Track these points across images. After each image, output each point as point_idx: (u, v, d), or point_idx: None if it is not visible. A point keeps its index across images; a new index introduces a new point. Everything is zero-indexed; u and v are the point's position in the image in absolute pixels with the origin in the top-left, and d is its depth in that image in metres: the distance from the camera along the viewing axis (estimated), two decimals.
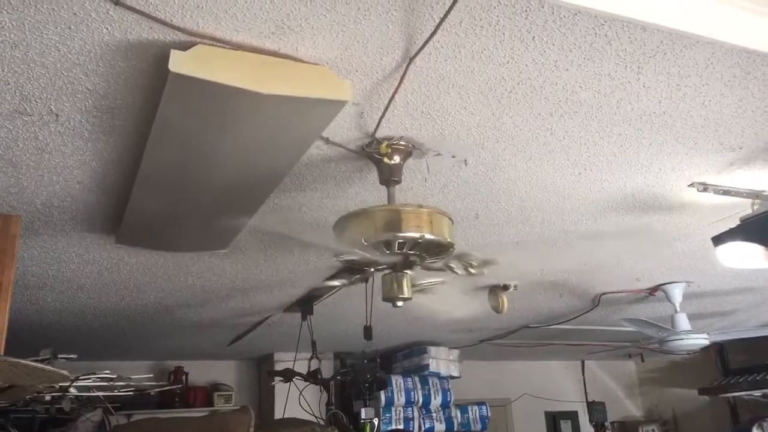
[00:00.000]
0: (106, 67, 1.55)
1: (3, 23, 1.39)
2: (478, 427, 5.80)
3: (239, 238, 2.69)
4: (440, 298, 2.83)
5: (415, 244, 1.90)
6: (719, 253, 2.62)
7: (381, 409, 5.32)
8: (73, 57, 1.51)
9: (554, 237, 2.96)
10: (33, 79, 1.59)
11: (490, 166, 2.22)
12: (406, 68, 1.61)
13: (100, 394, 3.24)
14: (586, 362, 7.25)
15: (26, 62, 1.52)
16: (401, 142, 1.99)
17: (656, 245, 3.15)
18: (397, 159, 2.01)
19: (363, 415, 3.80)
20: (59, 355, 3.06)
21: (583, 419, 6.98)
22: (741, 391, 5.80)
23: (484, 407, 5.90)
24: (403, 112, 1.84)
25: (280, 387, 4.48)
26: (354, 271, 3.07)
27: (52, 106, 1.71)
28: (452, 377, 5.82)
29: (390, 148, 1.97)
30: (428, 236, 1.87)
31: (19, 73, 1.56)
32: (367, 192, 2.35)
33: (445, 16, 1.42)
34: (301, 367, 3.87)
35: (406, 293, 2.03)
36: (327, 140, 1.97)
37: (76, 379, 3.05)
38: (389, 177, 2.03)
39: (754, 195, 2.44)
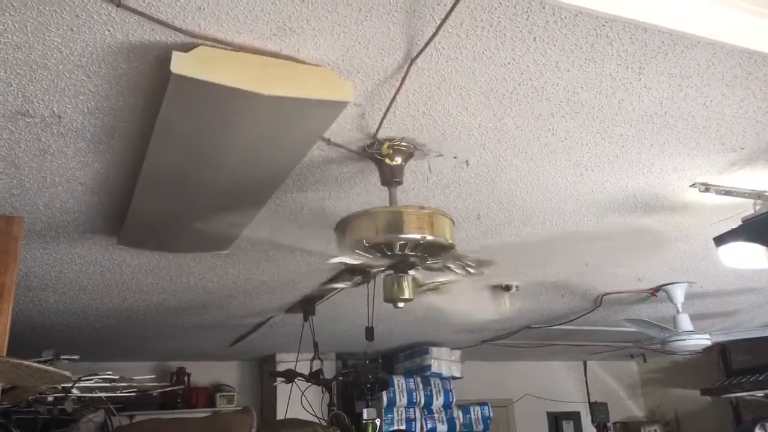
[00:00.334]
0: (108, 68, 1.56)
1: (5, 25, 1.39)
2: (480, 427, 5.80)
3: (241, 239, 2.69)
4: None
5: (417, 245, 1.90)
6: (721, 253, 2.62)
7: (383, 410, 5.33)
8: (75, 59, 1.52)
9: (556, 237, 2.95)
10: (35, 80, 1.59)
11: (492, 166, 2.22)
12: (408, 69, 1.62)
13: (103, 395, 3.25)
14: (588, 363, 7.25)
15: (28, 64, 1.53)
16: (403, 143, 1.99)
17: (658, 246, 3.15)
18: (398, 160, 2.01)
19: (365, 416, 3.80)
20: (62, 356, 3.07)
21: (586, 420, 6.98)
22: (743, 391, 5.79)
23: (486, 408, 5.90)
24: (404, 113, 1.84)
25: (282, 388, 4.49)
26: (356, 272, 3.08)
27: (54, 108, 1.71)
28: (454, 378, 5.82)
29: (391, 149, 1.97)
30: (429, 237, 1.87)
31: (21, 74, 1.57)
32: (369, 193, 2.35)
33: (447, 17, 1.42)
34: (303, 367, 3.88)
35: (408, 294, 2.03)
36: (328, 141, 1.97)
37: (79, 380, 3.05)
38: (391, 178, 2.03)
39: (756, 195, 2.43)
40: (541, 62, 1.63)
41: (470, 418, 5.79)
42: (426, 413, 5.60)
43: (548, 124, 1.94)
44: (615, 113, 1.89)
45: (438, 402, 5.65)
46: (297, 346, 4.10)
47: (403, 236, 1.87)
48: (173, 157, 1.90)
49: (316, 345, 3.95)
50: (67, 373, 2.13)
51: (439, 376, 5.71)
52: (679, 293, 3.83)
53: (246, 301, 3.86)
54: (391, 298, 2.04)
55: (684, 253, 3.25)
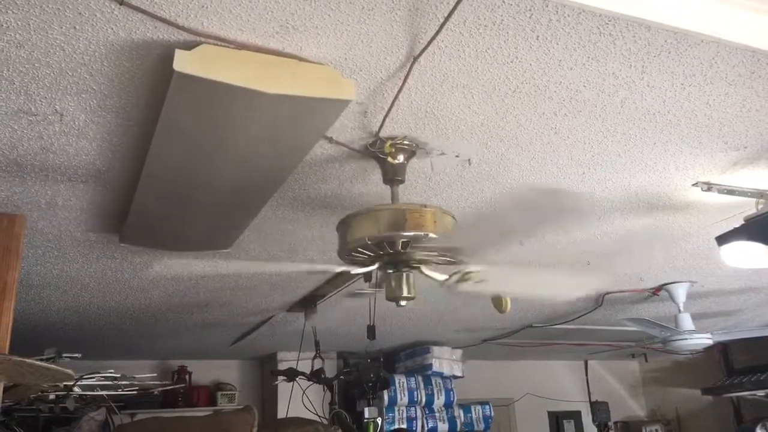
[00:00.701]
0: (110, 66, 1.56)
1: (8, 23, 1.39)
2: (481, 426, 5.80)
3: (242, 237, 2.69)
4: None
5: (419, 243, 1.90)
6: (723, 252, 2.62)
7: (384, 409, 5.33)
8: (77, 57, 1.52)
9: (557, 237, 2.95)
10: (38, 78, 1.59)
11: (494, 165, 2.22)
12: (410, 68, 1.61)
13: (104, 393, 3.26)
14: (589, 362, 7.25)
15: (31, 62, 1.53)
16: (405, 142, 1.99)
17: (660, 245, 3.14)
18: (400, 158, 2.01)
19: (366, 415, 3.81)
20: (63, 354, 3.07)
21: (587, 419, 6.97)
22: (745, 391, 5.78)
23: (487, 407, 5.90)
24: (407, 111, 1.84)
25: (283, 386, 4.49)
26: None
27: (56, 106, 1.71)
28: (455, 377, 5.82)
29: (394, 148, 1.97)
30: (432, 235, 1.87)
31: (24, 72, 1.57)
32: (371, 191, 2.35)
33: (450, 15, 1.42)
34: (305, 366, 3.88)
35: (410, 293, 2.03)
36: (331, 139, 1.97)
37: (81, 378, 3.06)
38: (393, 176, 2.03)
39: (759, 194, 2.43)
40: (543, 60, 1.63)
41: (471, 417, 5.79)
42: (427, 412, 5.60)
43: (551, 123, 1.94)
44: (617, 112, 1.89)
45: (439, 401, 5.65)
46: (298, 345, 4.10)
47: (405, 234, 1.87)
48: (175, 155, 1.90)
49: (317, 344, 3.95)
50: (69, 372, 2.14)
51: (441, 375, 5.71)
52: (680, 292, 3.83)
53: (247, 300, 3.86)
54: (393, 297, 2.04)
55: (686, 252, 3.25)
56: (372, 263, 2.03)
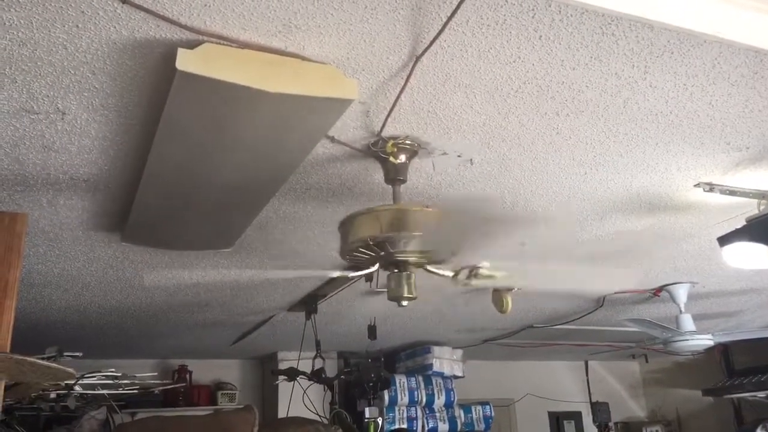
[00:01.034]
0: (113, 65, 1.56)
1: (11, 21, 1.39)
2: (482, 427, 5.80)
3: (244, 236, 2.69)
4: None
5: (420, 243, 1.90)
6: (725, 253, 2.61)
7: (384, 409, 5.32)
8: (80, 55, 1.52)
9: (559, 237, 2.95)
10: (40, 77, 1.59)
11: (496, 165, 2.21)
12: (413, 67, 1.61)
13: (105, 392, 3.25)
14: (589, 362, 7.24)
15: (33, 60, 1.53)
16: (407, 141, 1.99)
17: (661, 245, 3.14)
18: (402, 158, 2.01)
19: (367, 414, 3.81)
20: (65, 353, 3.07)
21: (587, 420, 6.97)
22: (745, 392, 5.78)
23: (487, 407, 5.90)
24: (409, 111, 1.84)
25: (284, 386, 4.49)
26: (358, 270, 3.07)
27: (59, 105, 1.71)
28: (456, 377, 5.82)
29: (396, 147, 1.97)
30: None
31: (26, 71, 1.57)
32: (373, 191, 2.35)
33: (452, 14, 1.42)
34: (305, 366, 3.88)
35: (412, 293, 2.02)
36: (333, 139, 1.97)
37: (81, 377, 3.06)
38: (395, 176, 2.03)
39: (761, 195, 2.43)
40: (546, 60, 1.63)
41: (472, 417, 5.78)
42: (427, 412, 5.60)
43: (553, 123, 1.94)
44: (620, 112, 1.89)
45: (439, 401, 5.65)
46: (299, 345, 4.10)
47: (407, 234, 1.87)
48: (177, 154, 1.90)
49: (318, 343, 3.95)
50: (70, 370, 2.14)
51: (441, 375, 5.71)
52: (681, 293, 3.83)
53: (248, 299, 3.86)
54: (395, 297, 2.03)
55: (687, 252, 3.25)
56: (374, 263, 2.02)
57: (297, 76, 1.56)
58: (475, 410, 5.83)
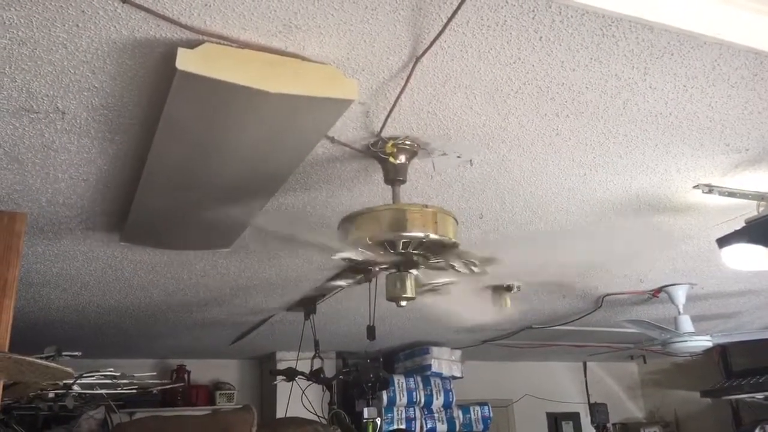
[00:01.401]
0: (113, 64, 1.56)
1: (11, 20, 1.39)
2: (480, 427, 5.80)
3: (243, 236, 2.69)
4: (455, 299, 2.81)
5: (420, 243, 1.90)
6: (724, 254, 2.62)
7: (383, 409, 5.32)
8: (80, 55, 1.52)
9: (558, 238, 2.95)
10: (40, 76, 1.59)
11: (496, 166, 2.22)
12: (413, 68, 1.61)
13: (104, 391, 3.25)
14: (588, 363, 7.25)
15: (33, 59, 1.53)
16: (407, 142, 1.99)
17: (660, 246, 3.15)
18: (402, 158, 2.00)
19: (365, 415, 3.80)
20: (63, 353, 3.07)
21: (585, 420, 6.98)
22: (744, 393, 5.79)
23: (486, 408, 5.90)
24: (408, 111, 1.84)
25: (282, 386, 4.49)
26: (358, 270, 3.08)
27: (58, 104, 1.71)
28: (454, 377, 5.82)
29: (395, 148, 1.97)
30: (433, 236, 1.87)
31: (26, 70, 1.56)
32: (372, 191, 2.35)
33: (453, 15, 1.42)
34: (304, 366, 3.88)
35: (411, 293, 2.03)
36: (332, 139, 1.97)
37: (80, 376, 3.06)
38: (394, 176, 2.03)
39: (760, 197, 2.43)
40: (546, 61, 1.63)
41: (470, 418, 5.79)
42: (426, 413, 5.60)
43: (553, 124, 1.94)
44: (620, 113, 1.89)
45: (438, 402, 5.65)
46: (298, 345, 4.10)
47: (406, 234, 1.87)
48: (177, 153, 1.89)
49: (316, 343, 3.95)
50: (69, 370, 2.13)
51: (440, 375, 5.71)
52: (680, 294, 3.83)
53: (247, 299, 3.86)
54: (394, 297, 2.03)
55: (686, 254, 3.25)
56: (373, 263, 2.02)
57: (297, 77, 1.56)
58: (474, 411, 5.84)
